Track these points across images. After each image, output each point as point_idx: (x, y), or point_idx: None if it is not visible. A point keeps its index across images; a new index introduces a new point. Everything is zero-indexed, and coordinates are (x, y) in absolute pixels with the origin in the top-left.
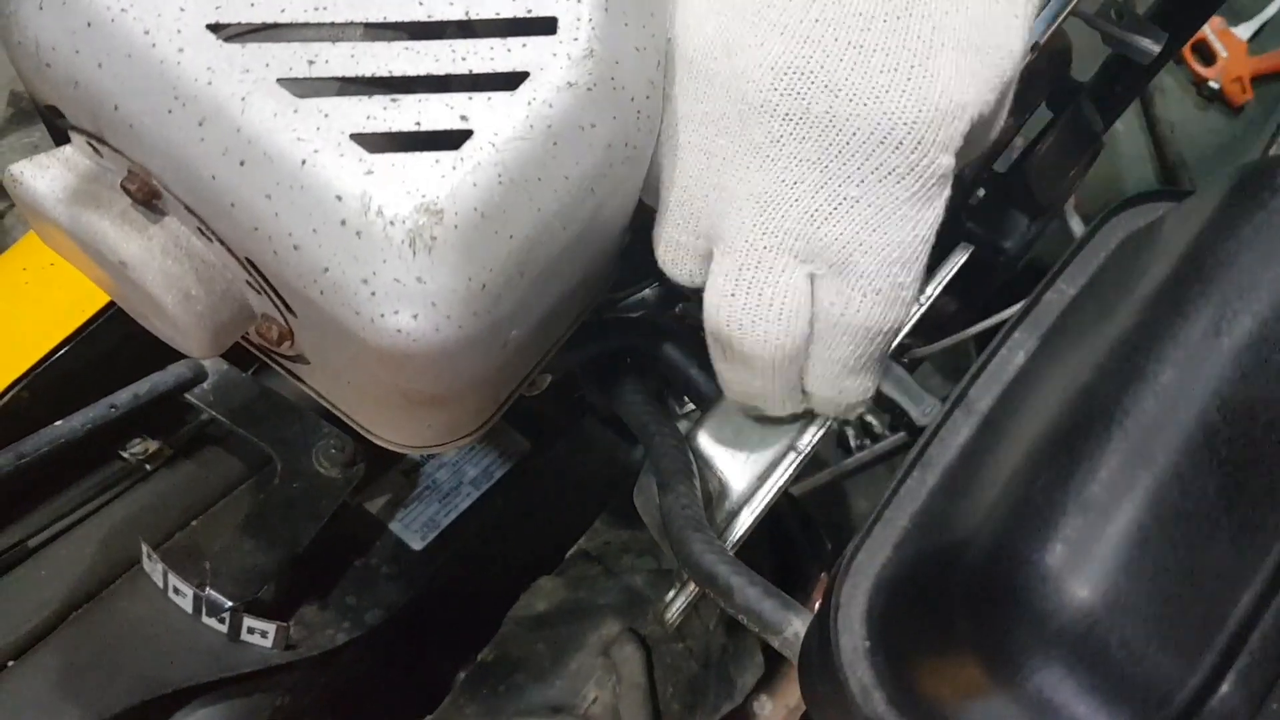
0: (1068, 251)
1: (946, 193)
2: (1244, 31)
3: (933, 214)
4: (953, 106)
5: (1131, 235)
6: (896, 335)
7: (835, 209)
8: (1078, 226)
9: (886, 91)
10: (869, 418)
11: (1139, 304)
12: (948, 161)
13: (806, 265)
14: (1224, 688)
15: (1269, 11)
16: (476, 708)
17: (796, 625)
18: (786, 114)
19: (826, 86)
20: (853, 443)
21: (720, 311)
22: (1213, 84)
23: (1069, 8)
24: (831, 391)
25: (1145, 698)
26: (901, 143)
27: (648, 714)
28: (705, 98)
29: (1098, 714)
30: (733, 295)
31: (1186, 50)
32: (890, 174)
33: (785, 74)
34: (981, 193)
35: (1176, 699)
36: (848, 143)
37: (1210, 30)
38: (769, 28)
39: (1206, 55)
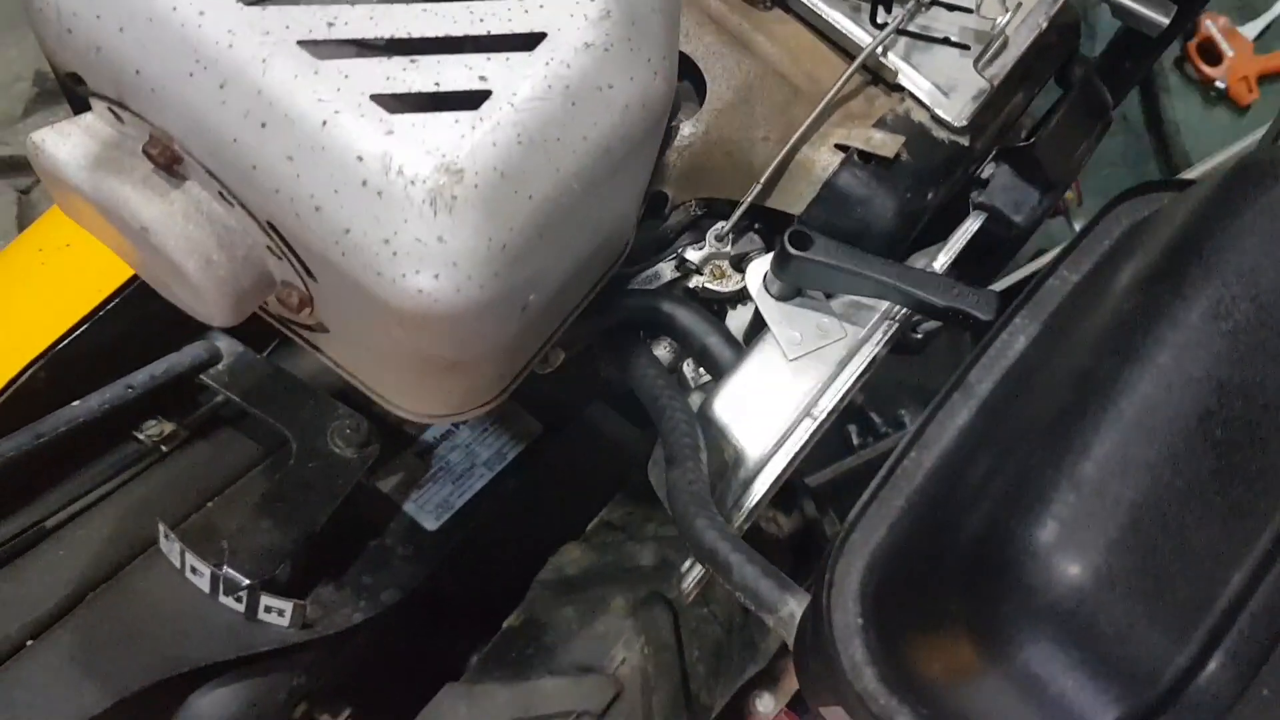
0: (1071, 239)
1: None
2: (1250, 30)
3: None
4: None
5: (1134, 224)
6: None
7: None
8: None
9: None
10: (872, 415)
11: (1138, 287)
12: None
13: None
14: (1211, 666)
15: (1276, 10)
16: (505, 671)
17: (793, 605)
18: None
19: None
20: (855, 440)
21: None
22: (1219, 84)
23: None
24: None
25: (1133, 674)
26: None
27: (675, 675)
28: None
29: (1085, 689)
30: None
31: (1192, 50)
32: None
33: None
34: (992, 167)
35: (1164, 676)
36: None
37: (1216, 29)
38: None
39: (1213, 55)
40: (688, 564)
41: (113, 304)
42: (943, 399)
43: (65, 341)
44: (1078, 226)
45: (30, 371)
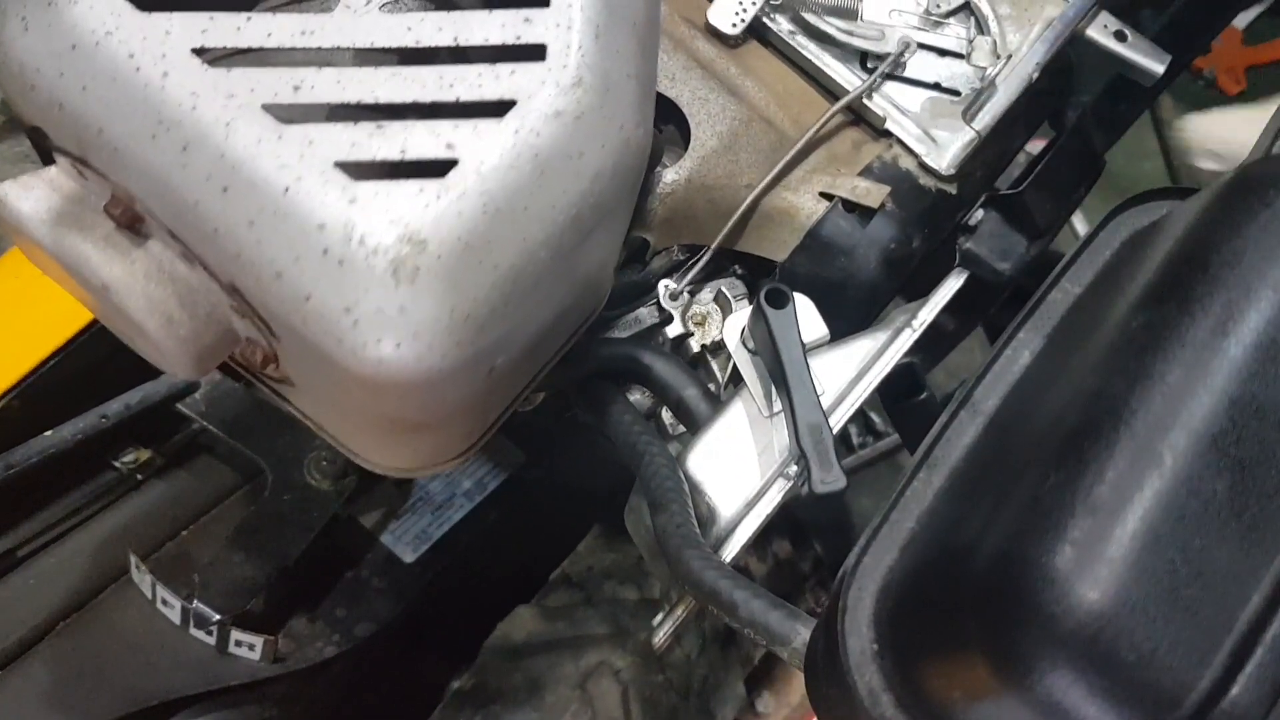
0: (1072, 251)
1: None
2: (1239, 22)
3: None
4: None
5: (1136, 234)
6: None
7: None
8: (1081, 224)
9: None
10: (872, 415)
11: (1144, 303)
12: None
13: None
14: (1234, 689)
15: (1265, 1)
16: None
17: (805, 635)
18: None
19: None
20: (855, 440)
21: None
22: (1207, 74)
23: (1071, 28)
24: None
25: (1156, 700)
26: None
27: None
28: None
29: (1108, 716)
30: None
31: None
32: None
33: None
34: (980, 214)
35: (1187, 701)
36: None
37: None
38: None
39: None
40: (660, 616)
41: (89, 333)
42: (950, 417)
43: (40, 370)
44: (1079, 226)
45: (5, 400)
